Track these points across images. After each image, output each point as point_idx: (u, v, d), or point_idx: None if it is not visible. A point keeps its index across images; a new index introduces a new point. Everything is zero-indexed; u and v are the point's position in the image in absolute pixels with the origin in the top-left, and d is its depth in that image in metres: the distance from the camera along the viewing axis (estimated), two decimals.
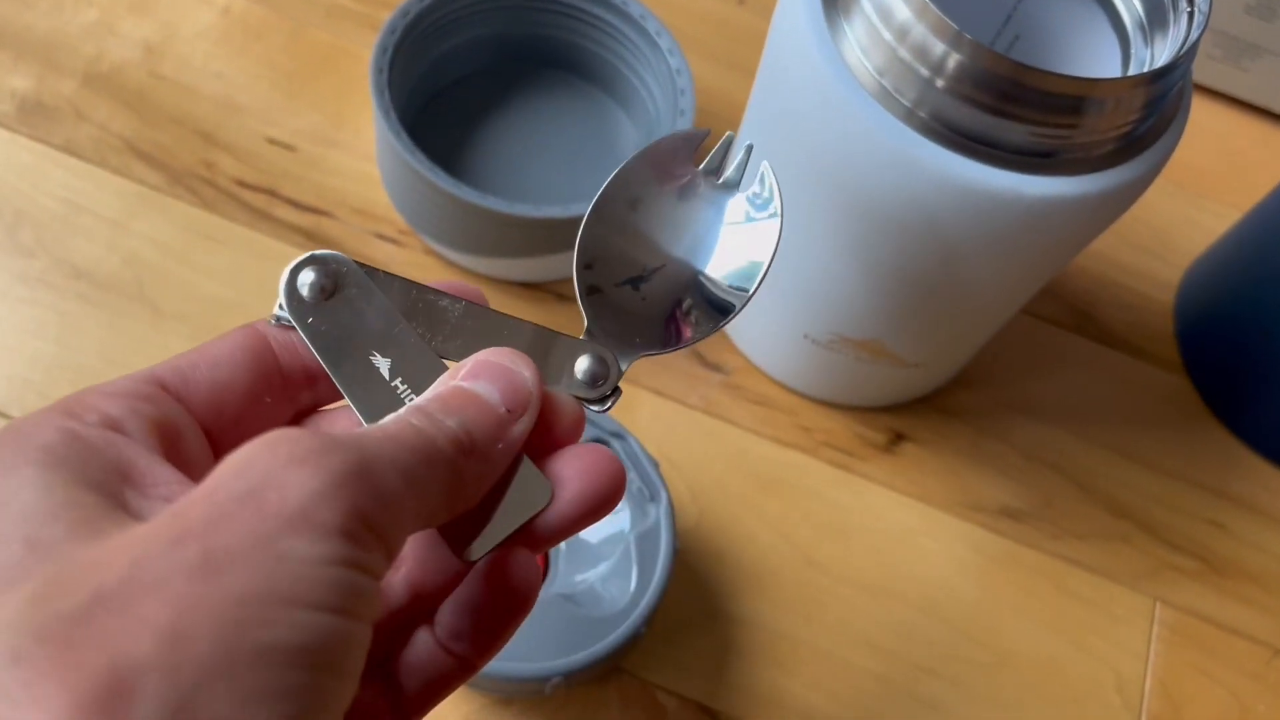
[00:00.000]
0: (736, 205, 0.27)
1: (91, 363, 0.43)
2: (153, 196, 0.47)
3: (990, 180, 0.34)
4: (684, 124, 0.46)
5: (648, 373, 0.47)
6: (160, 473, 0.21)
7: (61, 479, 0.20)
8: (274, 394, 0.24)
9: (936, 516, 0.46)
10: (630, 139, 0.51)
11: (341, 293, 0.24)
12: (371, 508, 0.19)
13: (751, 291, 0.26)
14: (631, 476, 0.39)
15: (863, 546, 0.45)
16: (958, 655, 0.44)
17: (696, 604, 0.43)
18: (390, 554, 0.20)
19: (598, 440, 0.40)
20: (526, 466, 0.23)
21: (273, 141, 0.49)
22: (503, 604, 0.23)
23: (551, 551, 0.40)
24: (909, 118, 0.34)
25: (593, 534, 0.40)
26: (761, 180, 0.27)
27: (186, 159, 0.48)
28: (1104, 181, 0.35)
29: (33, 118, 0.48)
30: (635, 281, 0.26)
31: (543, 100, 0.51)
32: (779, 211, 0.27)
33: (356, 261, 0.24)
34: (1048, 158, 0.34)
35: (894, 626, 0.44)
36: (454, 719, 0.39)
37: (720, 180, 0.27)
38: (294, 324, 0.24)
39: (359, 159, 0.50)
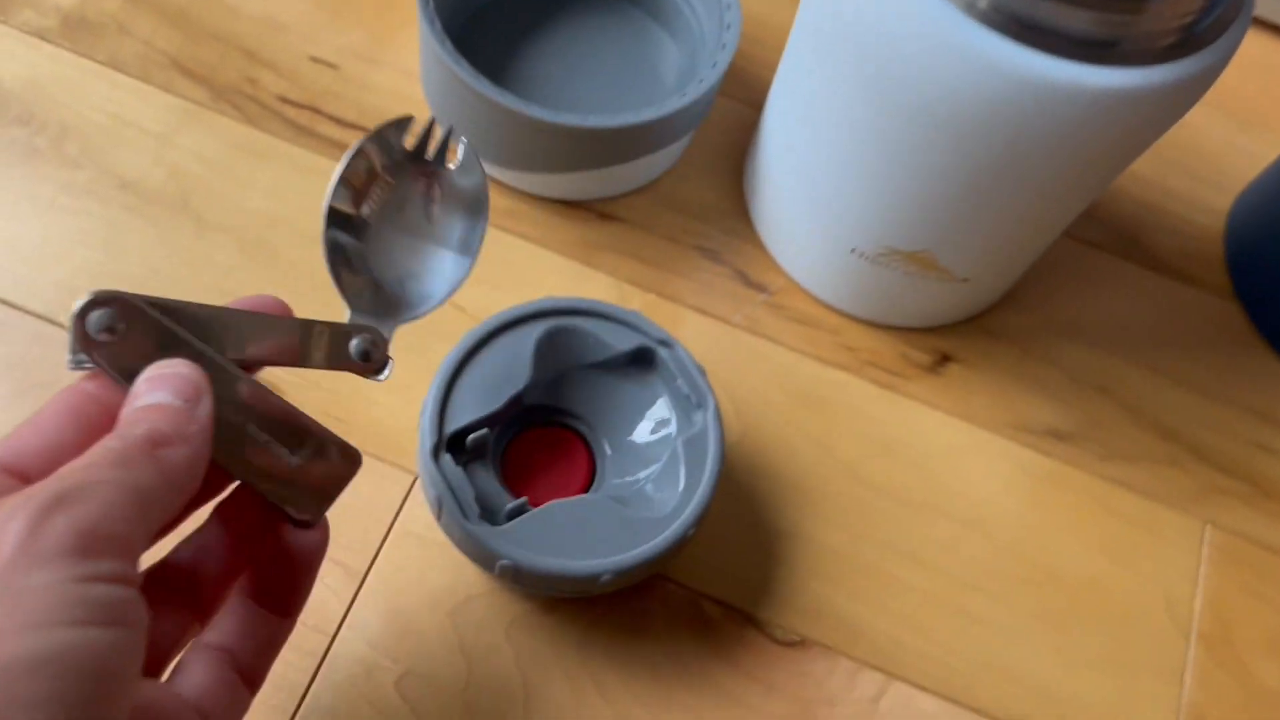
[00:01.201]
0: (446, 180, 0.32)
1: (136, 271, 0.44)
2: (197, 111, 0.47)
3: (1052, 71, 0.33)
4: (729, 45, 0.46)
5: (689, 291, 0.47)
6: None
7: None
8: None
9: (982, 436, 0.46)
10: (673, 61, 0.50)
11: (131, 325, 0.26)
12: (85, 521, 0.21)
13: (476, 251, 0.33)
14: (679, 383, 0.39)
15: (907, 463, 0.45)
16: (1003, 572, 0.43)
17: (741, 517, 0.42)
18: (132, 553, 0.22)
19: (645, 348, 0.39)
20: (333, 440, 0.29)
21: (315, 59, 0.49)
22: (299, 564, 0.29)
23: (598, 457, 0.40)
24: (968, 7, 0.33)
25: (640, 437, 0.39)
26: (464, 153, 0.32)
27: (230, 75, 0.48)
28: (1167, 74, 0.34)
29: (76, 33, 0.48)
30: (373, 261, 0.31)
31: (586, 21, 0.51)
32: (483, 177, 0.33)
33: (141, 296, 0.27)
34: (1109, 48, 0.34)
35: (939, 542, 0.43)
36: (497, 626, 0.39)
37: (428, 159, 0.32)
38: (94, 365, 0.26)
39: (402, 77, 0.49)
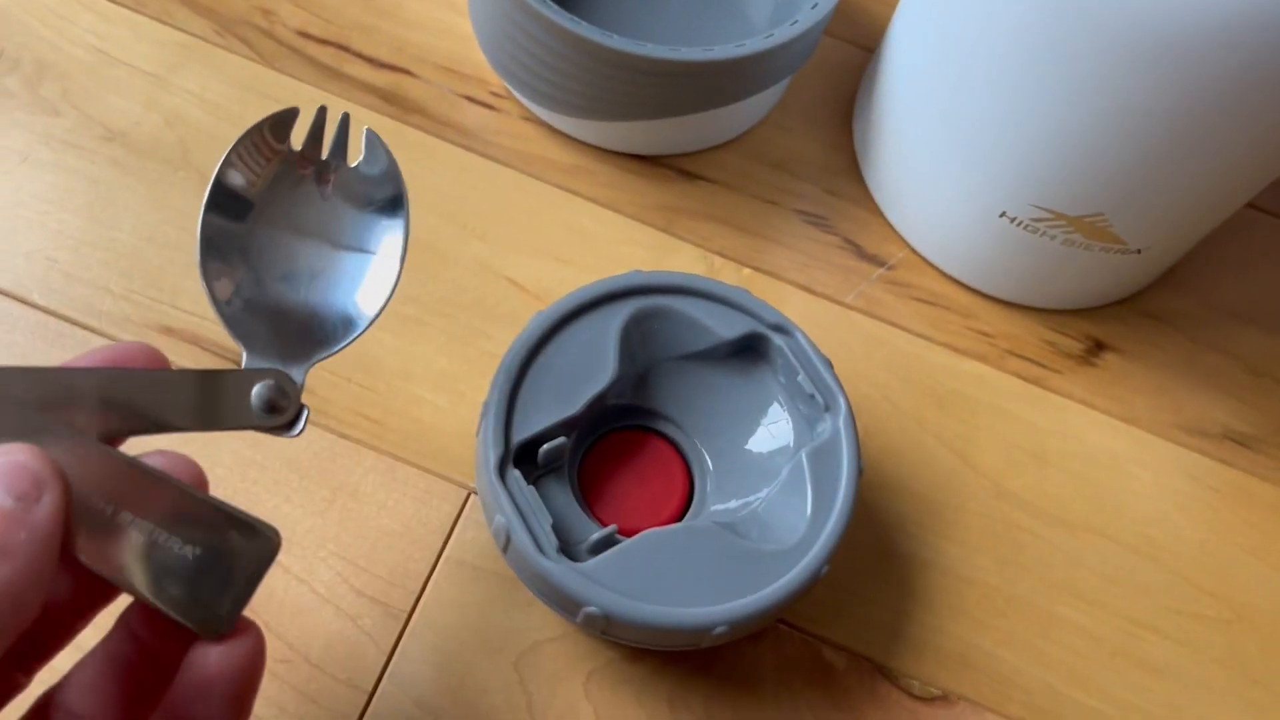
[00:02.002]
0: (348, 177, 0.26)
1: (126, 238, 0.36)
2: (199, 47, 0.39)
3: None
4: None
5: (791, 264, 0.39)
6: None
7: None
8: None
9: (1148, 440, 0.38)
10: None
11: None
12: None
13: (402, 252, 0.26)
14: (800, 379, 0.31)
15: (1062, 475, 0.37)
16: (1182, 607, 0.35)
17: (866, 544, 0.35)
18: None
19: (754, 334, 0.32)
20: (238, 517, 0.22)
21: None
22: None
23: (697, 471, 0.32)
24: None
25: (754, 445, 0.32)
26: (369, 146, 0.26)
27: (239, 5, 0.40)
28: None
29: None
30: (271, 286, 0.25)
31: None
32: (393, 172, 0.26)
33: None
34: None
35: (1104, 571, 0.36)
36: (573, 679, 0.32)
37: (325, 157, 0.26)
38: None
39: (445, 8, 0.41)
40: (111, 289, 0.35)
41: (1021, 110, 0.32)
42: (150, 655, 0.23)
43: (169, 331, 0.35)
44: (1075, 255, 0.36)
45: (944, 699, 0.33)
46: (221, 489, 0.32)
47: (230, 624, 0.22)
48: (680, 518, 0.31)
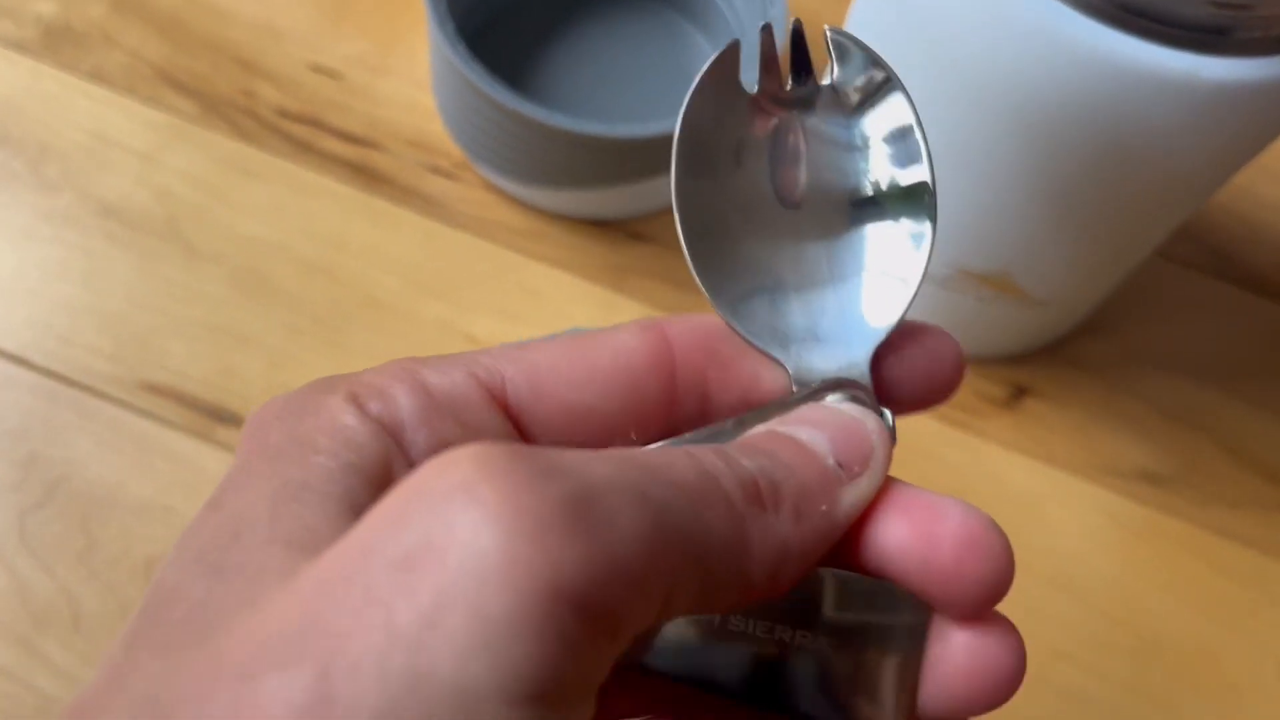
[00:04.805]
0: (835, 103, 0.19)
1: (119, 306, 0.39)
2: (186, 128, 0.43)
3: (1162, 62, 0.28)
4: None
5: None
6: None
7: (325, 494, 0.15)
8: (643, 428, 0.17)
9: (1066, 481, 0.40)
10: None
11: None
12: (597, 603, 0.12)
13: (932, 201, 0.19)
14: None
15: None
16: (1094, 638, 0.38)
17: None
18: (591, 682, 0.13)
19: None
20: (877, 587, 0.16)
21: (317, 68, 0.45)
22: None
23: None
24: None
25: None
26: (856, 62, 0.19)
27: (223, 87, 0.44)
28: None
29: (58, 44, 0.44)
30: (786, 279, 0.18)
31: (612, 23, 0.46)
32: (898, 84, 0.19)
33: None
34: (1222, 35, 0.28)
35: (1023, 604, 0.38)
36: None
37: (819, 87, 0.19)
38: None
39: (411, 86, 0.45)
40: (103, 350, 0.39)
41: None
42: None
43: (154, 389, 0.38)
44: (988, 309, 0.39)
45: None
46: None
47: None
48: None
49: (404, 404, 0.16)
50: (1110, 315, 0.44)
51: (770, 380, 0.18)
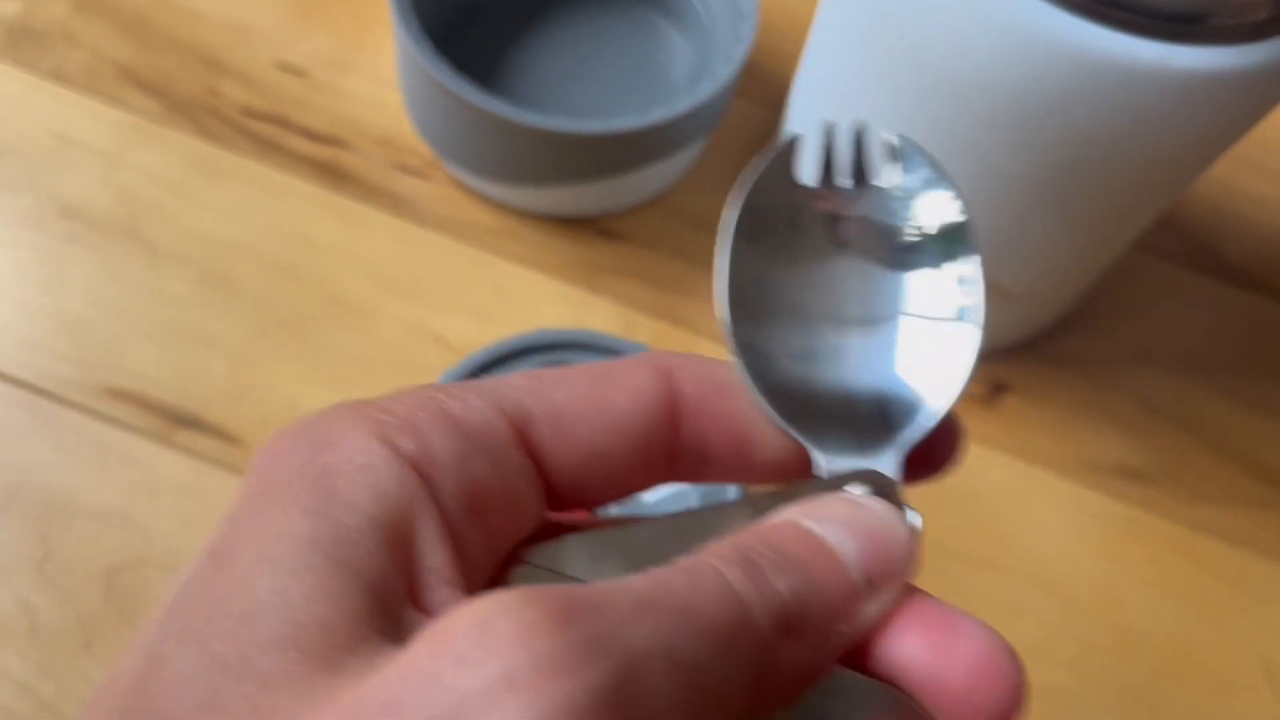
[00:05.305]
0: (892, 202, 0.19)
1: (80, 309, 0.39)
2: (150, 128, 0.42)
3: (1132, 52, 0.28)
4: (745, 37, 0.40)
5: (706, 317, 0.41)
6: (442, 575, 0.15)
7: (339, 565, 0.14)
8: (649, 470, 0.17)
9: (1046, 479, 0.40)
10: (684, 59, 0.45)
11: None
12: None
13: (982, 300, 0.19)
14: None
15: (960, 513, 0.39)
16: (1076, 638, 0.37)
17: None
18: None
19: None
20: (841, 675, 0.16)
21: (284, 66, 0.44)
22: None
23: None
24: None
25: (651, 496, 0.34)
26: (910, 158, 0.19)
27: (188, 86, 0.43)
28: (1264, 54, 0.28)
29: (20, 44, 0.43)
30: (826, 364, 0.18)
31: (584, 18, 0.45)
32: (956, 189, 0.19)
33: None
34: (1194, 24, 0.28)
35: (1000, 602, 0.37)
36: None
37: (874, 185, 0.19)
38: None
39: (379, 84, 0.44)
40: (62, 353, 0.38)
41: None
42: None
43: (118, 394, 0.37)
44: None
45: None
46: None
47: None
48: None
49: (437, 443, 0.15)
50: (1091, 310, 0.43)
51: (775, 450, 0.18)
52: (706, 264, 0.43)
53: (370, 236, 0.41)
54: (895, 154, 0.19)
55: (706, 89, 0.39)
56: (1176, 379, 0.43)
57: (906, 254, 0.19)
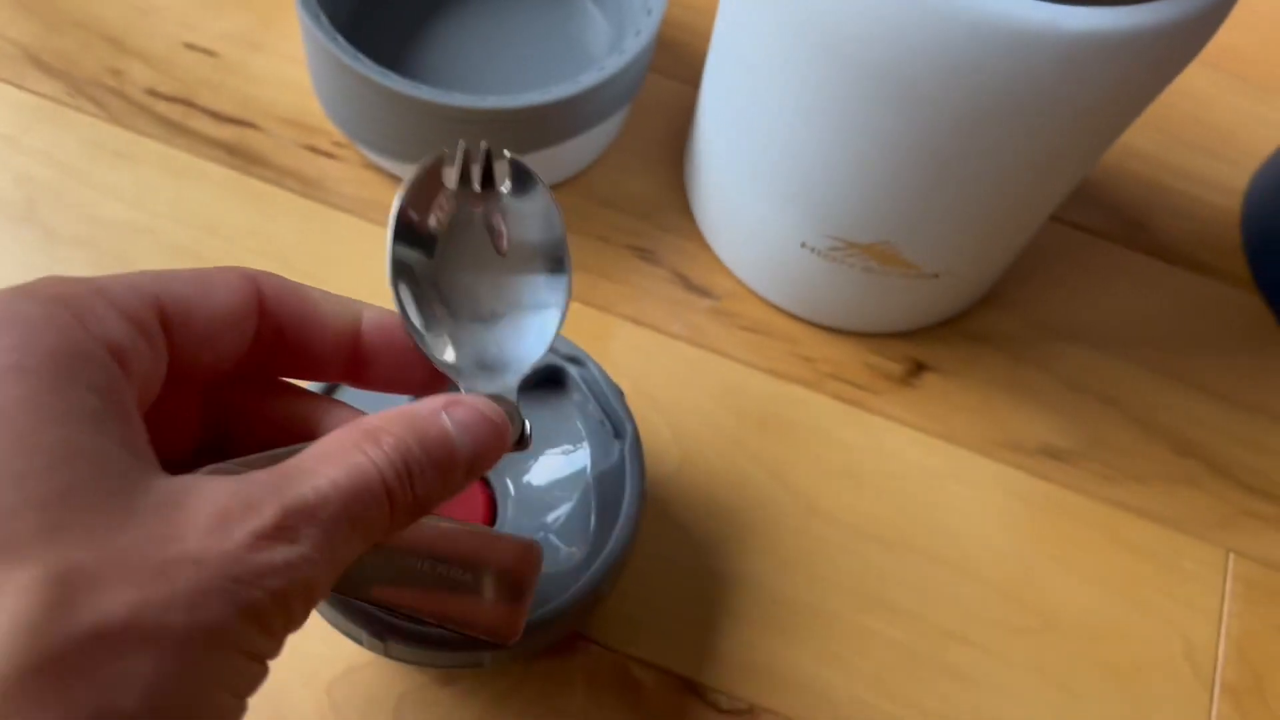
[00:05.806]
0: (506, 205, 0.26)
1: None
2: (50, 109, 0.41)
3: (1021, 14, 0.27)
4: (655, 10, 0.39)
5: (621, 297, 0.41)
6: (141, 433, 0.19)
7: (78, 405, 0.18)
8: (254, 353, 0.23)
9: (966, 457, 0.39)
10: (602, 34, 0.44)
11: None
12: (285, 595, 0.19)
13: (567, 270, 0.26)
14: (591, 409, 0.33)
15: (878, 493, 0.38)
16: (994, 618, 0.37)
17: (678, 561, 0.36)
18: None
19: (551, 368, 0.33)
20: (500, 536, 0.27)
21: (191, 46, 0.43)
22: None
23: (499, 496, 0.34)
24: None
25: (545, 474, 0.33)
26: (512, 170, 0.26)
27: (91, 67, 0.42)
28: (1160, 13, 0.28)
29: None
30: (464, 320, 0.26)
31: None
32: (541, 184, 0.26)
33: None
34: None
35: (917, 585, 0.37)
36: (384, 702, 0.33)
37: (491, 190, 0.26)
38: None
39: (290, 64, 0.43)
40: None
41: (801, 147, 0.34)
42: None
43: None
44: (878, 281, 0.38)
45: (749, 712, 0.34)
46: None
47: (518, 633, 0.26)
48: None
49: (118, 329, 0.19)
50: (1013, 286, 0.43)
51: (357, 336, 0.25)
52: (621, 243, 0.42)
53: (279, 218, 0.40)
54: (516, 169, 0.26)
55: (614, 62, 0.38)
56: (1100, 355, 0.42)
57: (520, 250, 0.26)
